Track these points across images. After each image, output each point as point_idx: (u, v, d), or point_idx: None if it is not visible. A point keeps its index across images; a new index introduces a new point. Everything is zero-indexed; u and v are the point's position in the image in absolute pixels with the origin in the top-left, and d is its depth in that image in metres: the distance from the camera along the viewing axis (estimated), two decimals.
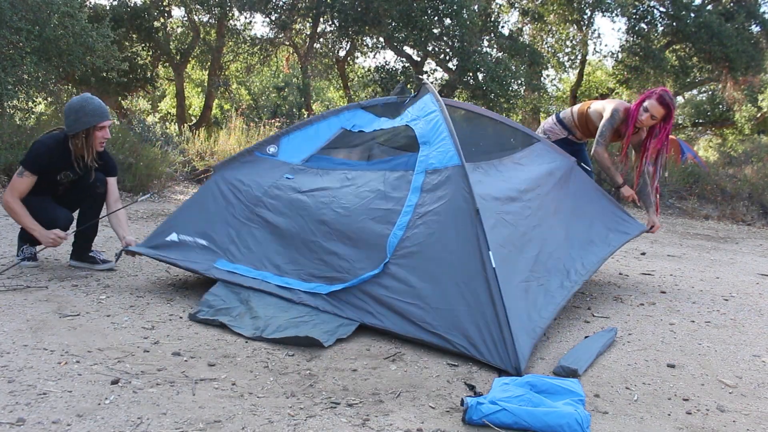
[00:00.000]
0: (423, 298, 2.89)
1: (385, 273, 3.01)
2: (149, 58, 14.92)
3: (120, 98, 15.27)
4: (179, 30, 15.78)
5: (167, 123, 15.07)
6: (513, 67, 11.96)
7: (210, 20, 14.54)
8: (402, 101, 3.94)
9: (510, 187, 3.54)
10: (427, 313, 2.85)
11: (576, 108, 4.76)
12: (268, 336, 2.84)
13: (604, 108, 4.52)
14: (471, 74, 12.12)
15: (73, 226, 3.87)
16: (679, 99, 22.96)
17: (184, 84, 17.08)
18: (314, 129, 3.82)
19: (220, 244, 3.45)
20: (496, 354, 2.66)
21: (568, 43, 15.56)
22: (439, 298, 2.85)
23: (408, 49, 13.26)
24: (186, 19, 15.09)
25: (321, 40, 14.91)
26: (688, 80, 16.27)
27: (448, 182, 3.16)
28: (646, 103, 4.28)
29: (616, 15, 13.49)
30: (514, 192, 3.54)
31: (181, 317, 3.11)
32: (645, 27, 14.61)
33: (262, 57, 15.84)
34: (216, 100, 17.54)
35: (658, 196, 4.70)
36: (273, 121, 13.25)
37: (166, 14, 14.66)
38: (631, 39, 14.76)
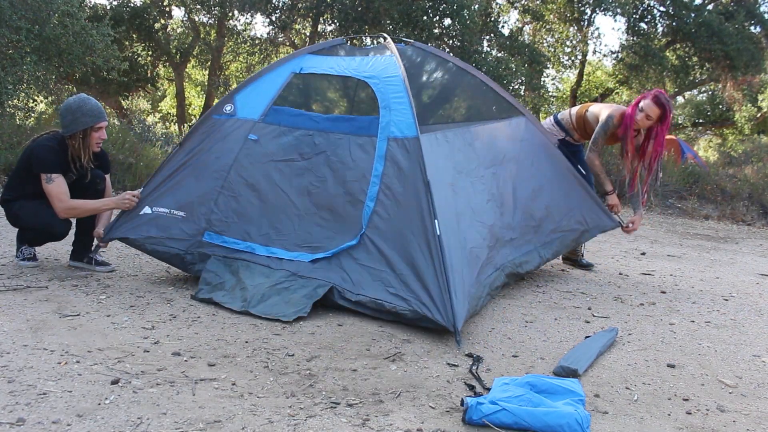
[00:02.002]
0: (390, 264, 3.16)
1: (361, 243, 3.26)
2: (149, 58, 14.93)
3: (120, 98, 15.27)
4: (179, 30, 15.78)
5: (167, 123, 15.07)
6: (513, 67, 11.95)
7: (210, 20, 14.54)
8: (354, 44, 3.92)
9: (468, 159, 3.64)
10: (393, 278, 3.14)
11: (574, 110, 4.77)
12: (253, 309, 3.14)
13: (601, 111, 4.53)
14: None
15: (73, 226, 3.87)
16: (679, 99, 22.95)
17: (184, 84, 17.09)
18: (265, 80, 3.78)
19: (200, 215, 3.53)
20: (438, 312, 2.95)
21: (568, 42, 15.56)
22: (401, 264, 3.13)
23: None
24: (186, 19, 15.10)
25: (321, 40, 14.91)
26: (689, 80, 16.28)
27: (408, 154, 3.29)
28: (641, 104, 4.30)
29: (617, 14, 13.49)
30: (472, 165, 3.66)
31: (181, 317, 3.12)
32: (645, 26, 14.62)
33: (262, 57, 15.83)
34: (216, 100, 17.52)
35: (646, 194, 4.70)
36: None
37: (166, 14, 14.66)
38: (632, 38, 14.76)
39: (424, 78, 4.11)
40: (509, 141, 4.11)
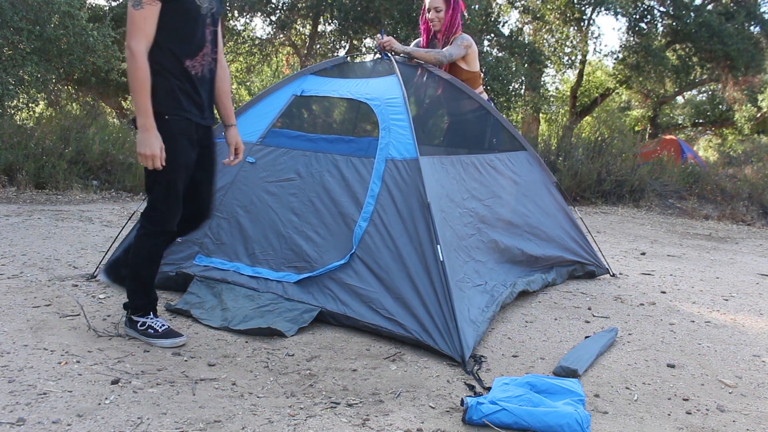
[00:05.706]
0: (383, 286, 3.04)
1: (351, 263, 3.16)
2: None
3: (120, 98, 15.26)
4: None
5: None
6: (513, 67, 11.95)
7: None
8: (355, 60, 3.83)
9: (460, 189, 3.57)
10: (386, 300, 3.00)
11: None
12: (234, 327, 2.98)
13: None
14: None
15: None
16: (679, 99, 22.95)
17: None
18: (266, 103, 3.75)
19: (194, 239, 3.50)
20: (442, 341, 2.81)
21: (568, 43, 15.56)
22: (397, 287, 3.01)
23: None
24: None
25: (321, 40, 14.91)
26: (689, 80, 16.29)
27: (406, 175, 3.23)
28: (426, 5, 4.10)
29: (617, 13, 13.49)
30: (464, 195, 3.59)
31: (181, 317, 3.12)
32: (645, 26, 14.63)
33: (262, 57, 15.83)
34: None
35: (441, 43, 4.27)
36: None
37: None
38: (632, 38, 14.77)
39: (428, 101, 4.06)
40: (506, 175, 4.05)
